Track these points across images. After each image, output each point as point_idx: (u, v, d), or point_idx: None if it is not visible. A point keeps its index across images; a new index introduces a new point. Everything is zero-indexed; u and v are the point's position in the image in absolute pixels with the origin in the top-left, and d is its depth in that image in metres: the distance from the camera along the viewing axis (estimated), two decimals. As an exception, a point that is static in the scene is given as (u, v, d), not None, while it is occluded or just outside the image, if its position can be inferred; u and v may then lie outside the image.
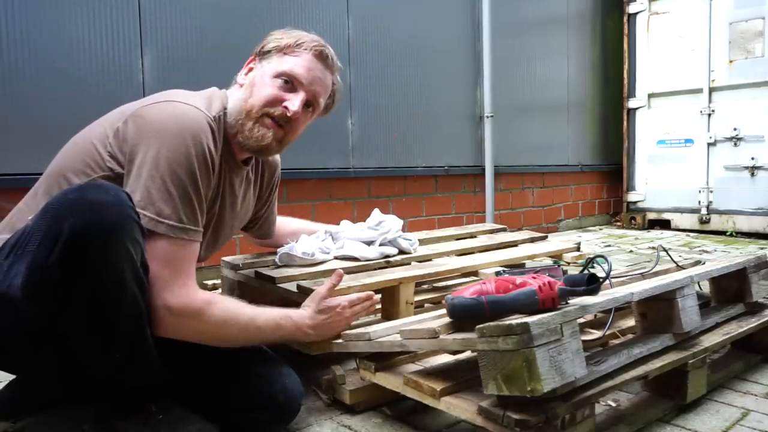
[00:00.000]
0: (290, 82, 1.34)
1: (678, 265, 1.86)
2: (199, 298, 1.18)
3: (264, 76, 1.34)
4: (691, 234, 4.81)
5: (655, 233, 4.90)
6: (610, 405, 1.40)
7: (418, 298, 1.79)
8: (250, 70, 1.38)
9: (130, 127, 1.18)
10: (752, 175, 4.57)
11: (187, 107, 1.22)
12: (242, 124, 1.32)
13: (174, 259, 1.15)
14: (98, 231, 0.98)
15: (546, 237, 2.33)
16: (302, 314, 1.33)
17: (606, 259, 1.34)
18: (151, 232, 1.12)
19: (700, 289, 1.92)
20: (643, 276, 1.69)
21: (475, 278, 1.86)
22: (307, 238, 1.76)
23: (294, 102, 1.33)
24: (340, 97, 1.48)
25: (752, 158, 4.55)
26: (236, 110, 1.33)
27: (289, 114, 1.32)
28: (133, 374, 1.15)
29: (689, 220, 4.95)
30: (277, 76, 1.33)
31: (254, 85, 1.34)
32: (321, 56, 1.37)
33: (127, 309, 1.06)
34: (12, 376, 1.38)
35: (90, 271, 1.00)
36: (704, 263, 1.89)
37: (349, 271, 1.67)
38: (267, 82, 1.33)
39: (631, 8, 5.16)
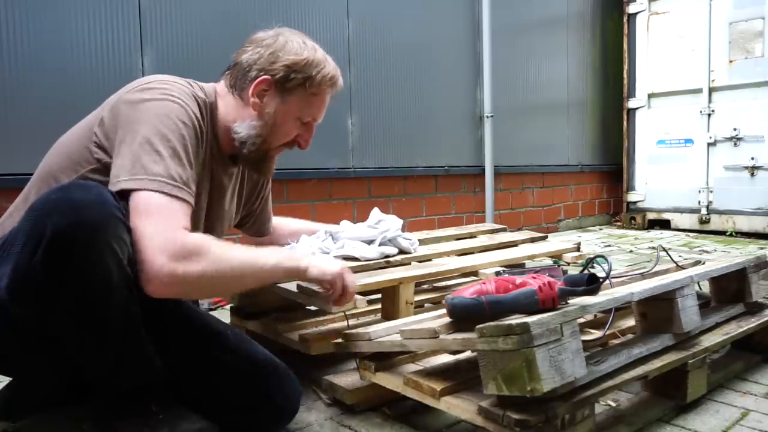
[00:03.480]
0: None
1: (678, 265, 1.85)
2: (194, 235, 1.12)
3: (287, 114, 1.34)
4: (691, 234, 4.81)
5: (655, 233, 4.90)
6: (610, 405, 1.40)
7: (418, 298, 1.79)
8: (263, 92, 1.32)
9: (115, 113, 1.19)
10: (752, 175, 4.57)
11: (172, 84, 1.23)
12: (255, 155, 1.35)
13: (168, 211, 1.10)
14: (81, 230, 0.97)
15: (546, 237, 2.33)
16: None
17: (606, 259, 1.34)
18: (144, 190, 1.09)
19: (700, 289, 1.92)
20: (643, 276, 1.69)
21: (475, 278, 1.85)
22: (308, 238, 1.76)
23: (309, 139, 1.41)
24: None
25: (752, 158, 4.55)
26: (247, 135, 1.33)
27: (301, 149, 1.41)
28: (130, 373, 1.15)
29: (689, 220, 4.95)
30: (302, 120, 1.37)
31: (276, 123, 1.34)
32: (337, 87, 1.40)
33: (115, 308, 1.05)
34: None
35: (75, 271, 0.99)
36: (704, 263, 1.89)
37: (349, 271, 1.67)
38: (290, 124, 1.36)
39: (631, 8, 5.16)
